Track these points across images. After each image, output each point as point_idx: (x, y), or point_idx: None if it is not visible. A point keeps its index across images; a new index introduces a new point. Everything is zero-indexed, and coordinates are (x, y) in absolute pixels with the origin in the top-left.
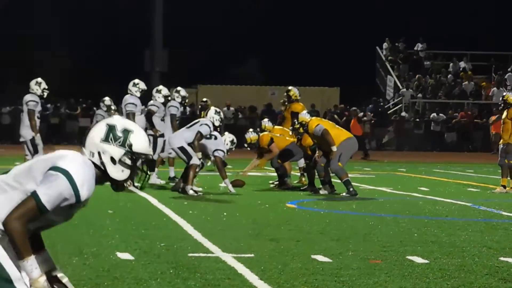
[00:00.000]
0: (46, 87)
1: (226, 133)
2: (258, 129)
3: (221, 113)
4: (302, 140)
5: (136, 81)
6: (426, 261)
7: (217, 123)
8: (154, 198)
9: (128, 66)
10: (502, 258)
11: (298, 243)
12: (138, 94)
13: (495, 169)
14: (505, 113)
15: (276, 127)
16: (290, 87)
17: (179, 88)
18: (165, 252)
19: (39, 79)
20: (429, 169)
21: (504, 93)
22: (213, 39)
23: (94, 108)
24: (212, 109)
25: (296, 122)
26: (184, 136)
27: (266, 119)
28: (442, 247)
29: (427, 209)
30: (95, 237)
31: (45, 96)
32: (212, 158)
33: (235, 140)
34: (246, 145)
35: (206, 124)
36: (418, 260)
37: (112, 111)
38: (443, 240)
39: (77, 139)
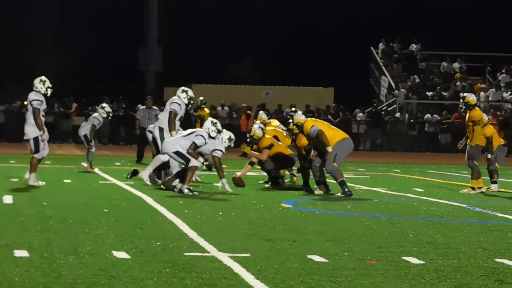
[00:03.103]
0: (50, 85)
1: (224, 130)
2: (263, 126)
3: (218, 124)
4: (297, 141)
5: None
6: (422, 262)
7: (213, 134)
8: (149, 197)
9: (122, 64)
10: (497, 260)
11: (293, 243)
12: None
13: None
14: (467, 116)
15: (268, 128)
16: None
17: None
18: (161, 251)
19: (43, 77)
20: (423, 170)
21: (464, 94)
22: (208, 38)
23: (89, 108)
24: (209, 120)
25: (291, 123)
26: (179, 143)
27: (262, 111)
28: (437, 248)
29: (422, 210)
30: (90, 236)
31: (49, 94)
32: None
33: (232, 137)
34: (248, 135)
35: (201, 136)
36: (414, 261)
37: (110, 117)
38: (438, 241)
39: (71, 138)
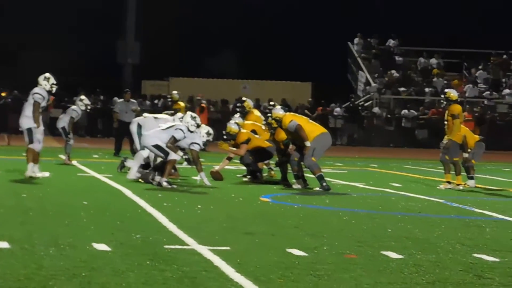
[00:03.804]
0: (55, 82)
1: (202, 125)
2: (238, 121)
3: (197, 118)
4: (275, 135)
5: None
6: (401, 257)
7: (192, 129)
8: (128, 190)
9: (100, 57)
10: (475, 255)
11: (273, 237)
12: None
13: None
14: (447, 111)
15: (247, 122)
16: (244, 98)
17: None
18: (141, 244)
19: (47, 74)
20: (400, 165)
21: (446, 90)
22: (186, 31)
23: (66, 99)
24: (188, 114)
25: (270, 117)
26: (158, 137)
27: (237, 115)
28: (416, 243)
29: (400, 205)
30: (71, 228)
31: (53, 91)
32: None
33: (211, 131)
34: (224, 132)
35: (181, 130)
36: (393, 255)
37: (88, 110)
38: (417, 236)
39: (48, 130)
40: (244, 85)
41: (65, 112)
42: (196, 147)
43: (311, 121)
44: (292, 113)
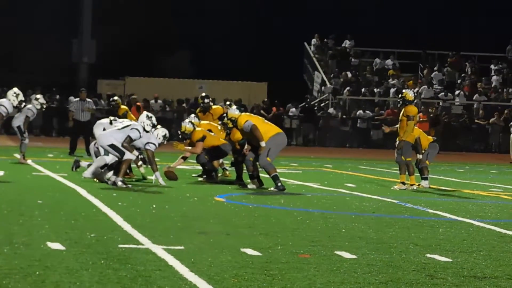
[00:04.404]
0: (24, 98)
1: (159, 127)
2: (193, 121)
3: (153, 118)
4: (231, 135)
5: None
6: (354, 257)
7: (148, 128)
8: (83, 189)
9: (55, 56)
10: (428, 255)
11: (227, 236)
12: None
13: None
14: (402, 111)
15: (203, 122)
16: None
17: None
18: (95, 243)
19: (17, 90)
20: (355, 165)
21: (403, 90)
22: (142, 30)
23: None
24: (144, 113)
25: (226, 117)
26: (114, 136)
27: (193, 115)
28: (369, 243)
29: (354, 205)
30: (25, 227)
31: (22, 107)
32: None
33: (167, 135)
34: (179, 132)
35: (136, 129)
36: (346, 255)
37: (44, 108)
38: (370, 236)
39: (3, 129)
40: (200, 85)
41: (20, 111)
42: (151, 147)
43: (266, 121)
44: (247, 113)
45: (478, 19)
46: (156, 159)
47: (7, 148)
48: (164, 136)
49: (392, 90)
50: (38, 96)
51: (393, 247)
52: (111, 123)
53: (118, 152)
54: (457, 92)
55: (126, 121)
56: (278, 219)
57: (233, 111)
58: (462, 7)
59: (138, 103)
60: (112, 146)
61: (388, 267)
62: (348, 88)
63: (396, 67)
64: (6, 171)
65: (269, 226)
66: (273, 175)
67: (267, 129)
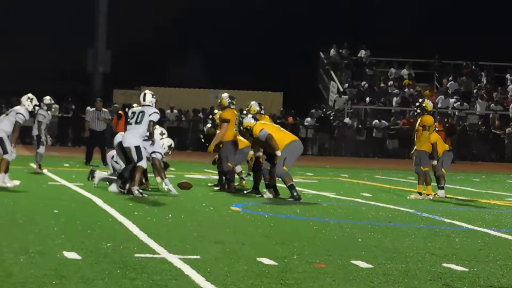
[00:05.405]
0: (38, 103)
1: (165, 136)
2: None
3: (34, 100)
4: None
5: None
6: (370, 266)
7: (29, 108)
8: (99, 199)
9: (70, 66)
10: (444, 264)
11: (243, 246)
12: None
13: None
14: (418, 121)
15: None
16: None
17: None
18: (111, 252)
19: (30, 95)
20: (371, 175)
21: (423, 100)
22: (158, 40)
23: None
24: (25, 96)
25: (242, 127)
26: (140, 140)
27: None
28: (385, 252)
29: (370, 214)
30: (40, 236)
31: (36, 112)
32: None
33: (173, 145)
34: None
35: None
36: (362, 264)
37: (53, 109)
38: (386, 246)
39: (19, 139)
40: (215, 94)
41: (34, 118)
42: (158, 156)
43: (282, 129)
44: (262, 122)
45: (494, 28)
46: (172, 169)
47: (23, 158)
48: (170, 146)
49: (407, 99)
50: (31, 96)
51: (409, 257)
52: None
53: (138, 156)
54: (473, 101)
55: None
56: (294, 229)
57: (249, 120)
58: (478, 16)
59: (120, 112)
60: (137, 148)
61: (404, 276)
62: (363, 97)
63: (411, 77)
64: (22, 180)
65: (285, 235)
66: (289, 184)
67: (282, 137)
